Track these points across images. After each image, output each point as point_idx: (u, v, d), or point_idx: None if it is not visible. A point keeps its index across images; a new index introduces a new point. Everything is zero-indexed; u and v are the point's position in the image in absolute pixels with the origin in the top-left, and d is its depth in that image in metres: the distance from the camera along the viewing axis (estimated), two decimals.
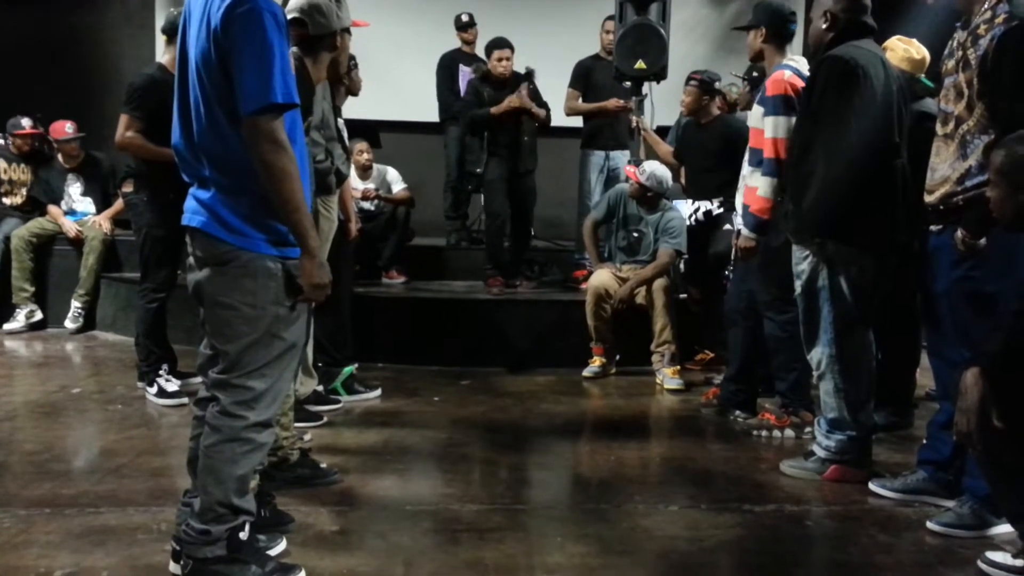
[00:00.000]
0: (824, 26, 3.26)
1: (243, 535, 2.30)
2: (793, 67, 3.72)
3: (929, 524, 2.89)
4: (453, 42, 6.91)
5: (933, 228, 2.96)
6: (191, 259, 2.30)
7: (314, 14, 2.83)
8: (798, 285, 3.35)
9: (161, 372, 4.28)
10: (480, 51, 6.73)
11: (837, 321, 3.25)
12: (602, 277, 5.12)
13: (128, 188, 4.59)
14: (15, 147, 6.32)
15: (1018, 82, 2.71)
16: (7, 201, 6.32)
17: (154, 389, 4.26)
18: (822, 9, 3.26)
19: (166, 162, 4.05)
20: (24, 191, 6.37)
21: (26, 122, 6.28)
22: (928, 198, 2.96)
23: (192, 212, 2.25)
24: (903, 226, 3.21)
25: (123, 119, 4.23)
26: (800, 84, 3.59)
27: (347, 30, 3.04)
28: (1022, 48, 2.73)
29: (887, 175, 3.16)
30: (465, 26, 6.66)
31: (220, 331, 2.24)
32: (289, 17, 2.84)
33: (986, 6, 2.84)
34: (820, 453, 3.39)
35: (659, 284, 4.95)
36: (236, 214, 2.20)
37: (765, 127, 3.70)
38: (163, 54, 4.40)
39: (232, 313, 2.21)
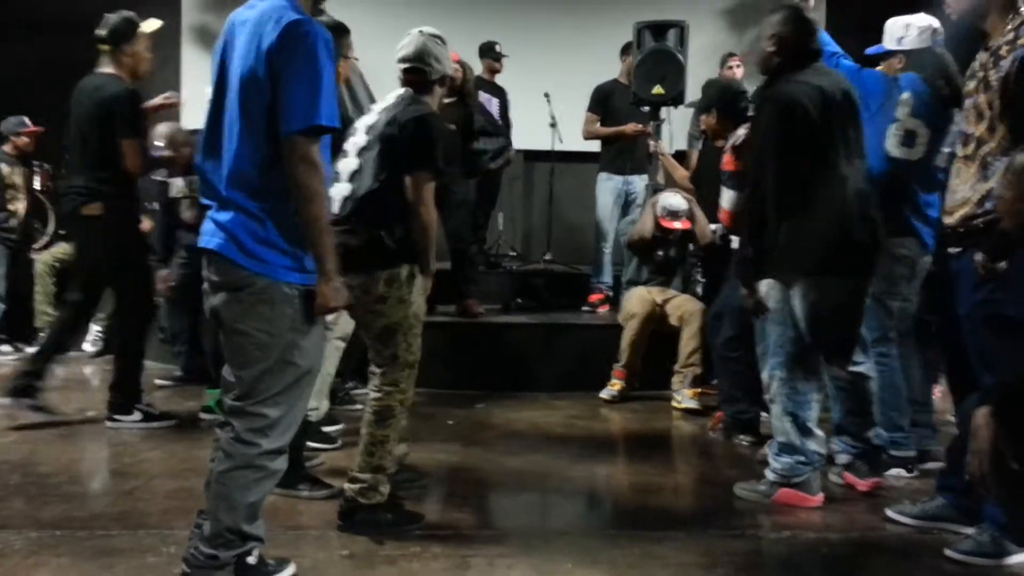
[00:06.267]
0: (772, 50, 3.26)
1: (251, 560, 2.31)
2: None
3: (947, 551, 2.83)
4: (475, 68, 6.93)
5: (952, 251, 2.93)
6: (206, 284, 2.31)
7: (432, 61, 3.01)
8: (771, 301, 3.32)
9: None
10: (499, 79, 6.75)
11: (787, 344, 3.24)
12: (644, 304, 5.08)
13: (95, 211, 4.12)
14: (16, 148, 6.16)
15: None
16: (11, 208, 6.12)
17: (136, 416, 4.21)
18: (770, 32, 3.26)
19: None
20: (24, 196, 6.21)
21: (27, 120, 6.18)
22: (947, 219, 2.93)
23: (209, 234, 2.25)
24: (865, 249, 3.17)
25: (134, 145, 4.07)
26: None
27: None
28: None
29: (839, 206, 3.13)
30: (498, 57, 6.65)
31: (235, 357, 2.26)
32: (407, 66, 2.99)
33: (1009, 28, 2.83)
34: (770, 476, 3.36)
35: (695, 307, 4.97)
36: (255, 238, 2.20)
37: (723, 196, 3.88)
38: (106, 64, 4.16)
39: (246, 340, 2.22)
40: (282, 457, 2.29)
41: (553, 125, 7.02)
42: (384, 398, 2.95)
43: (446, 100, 5.58)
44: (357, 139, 3.01)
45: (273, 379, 2.22)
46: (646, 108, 5.82)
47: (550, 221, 7.30)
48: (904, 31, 3.63)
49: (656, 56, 5.62)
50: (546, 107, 6.95)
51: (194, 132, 4.77)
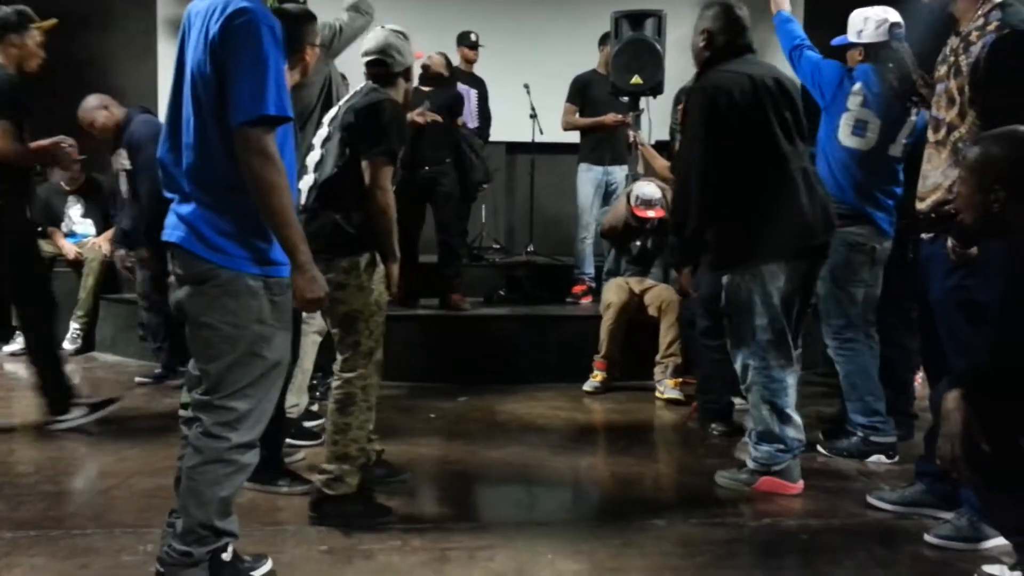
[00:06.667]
0: (702, 44, 3.33)
1: (226, 556, 2.29)
2: None
3: (927, 537, 2.84)
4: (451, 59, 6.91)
5: (925, 236, 2.94)
6: (172, 277, 2.28)
7: (394, 54, 3.05)
8: (724, 296, 3.36)
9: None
10: (478, 71, 6.73)
11: (759, 332, 3.26)
12: (620, 294, 5.10)
13: None
14: None
15: (1010, 90, 2.69)
16: None
17: (79, 411, 4.13)
18: (701, 27, 3.33)
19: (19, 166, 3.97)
20: None
21: None
22: (920, 205, 2.94)
23: (172, 228, 2.23)
24: (817, 227, 3.24)
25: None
26: None
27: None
28: (1013, 56, 2.71)
29: (782, 186, 3.19)
30: (474, 45, 6.65)
31: (201, 351, 2.23)
32: (370, 59, 3.03)
33: (979, 13, 2.83)
34: (750, 464, 3.37)
35: (673, 296, 4.97)
36: (217, 231, 2.18)
37: None
38: None
39: (213, 332, 2.19)
40: (252, 451, 2.27)
41: (533, 116, 7.01)
42: (344, 385, 2.96)
43: (426, 88, 5.66)
44: (321, 132, 3.05)
45: (241, 372, 2.20)
46: (625, 98, 5.82)
47: (532, 213, 7.28)
48: (863, 24, 3.73)
49: (634, 46, 5.60)
50: (526, 98, 6.93)
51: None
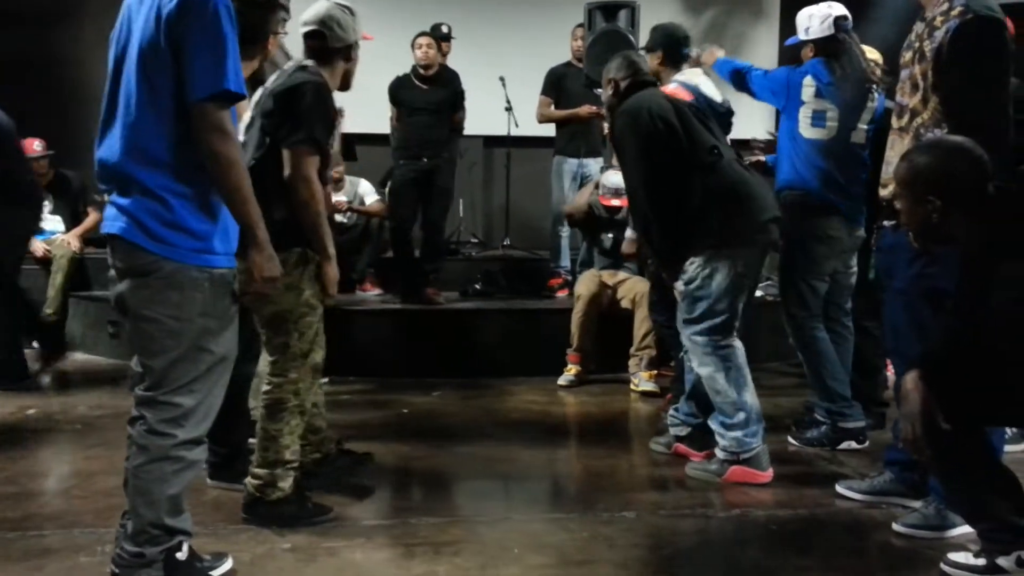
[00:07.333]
0: (610, 92, 3.55)
1: (180, 555, 2.24)
2: (682, 80, 3.82)
3: (895, 526, 2.83)
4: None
5: (887, 224, 2.92)
6: (112, 271, 2.23)
7: (334, 27, 2.88)
8: (680, 285, 3.38)
9: None
10: (451, 63, 6.68)
11: (714, 316, 3.30)
12: (590, 286, 5.09)
13: None
14: None
15: (970, 76, 2.68)
16: None
17: None
18: (607, 79, 3.56)
19: None
20: None
21: None
22: (883, 192, 2.92)
23: (112, 219, 2.17)
24: (769, 204, 3.36)
25: None
26: (684, 95, 3.67)
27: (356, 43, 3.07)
28: (976, 42, 2.70)
29: (728, 174, 3.32)
30: (446, 37, 6.61)
31: (145, 346, 2.17)
32: (307, 30, 2.88)
33: None
34: (719, 454, 3.37)
35: (645, 288, 4.94)
36: (161, 221, 2.12)
37: None
38: None
39: (156, 327, 2.14)
40: (200, 447, 2.23)
41: (509, 109, 6.97)
42: (274, 390, 2.82)
43: (424, 86, 5.62)
44: (245, 116, 2.90)
45: (186, 367, 2.16)
46: (599, 90, 5.78)
47: (508, 207, 7.25)
48: (808, 21, 3.78)
49: (607, 37, 5.57)
50: (501, 91, 6.90)
51: None
